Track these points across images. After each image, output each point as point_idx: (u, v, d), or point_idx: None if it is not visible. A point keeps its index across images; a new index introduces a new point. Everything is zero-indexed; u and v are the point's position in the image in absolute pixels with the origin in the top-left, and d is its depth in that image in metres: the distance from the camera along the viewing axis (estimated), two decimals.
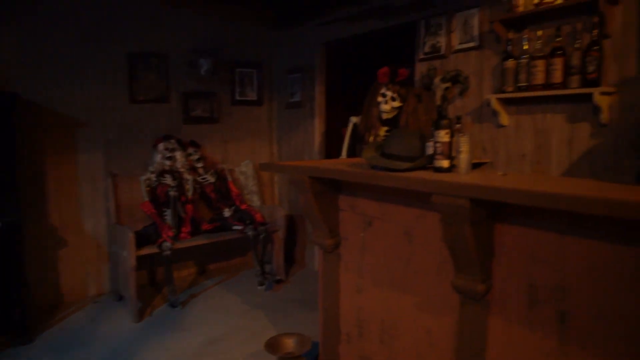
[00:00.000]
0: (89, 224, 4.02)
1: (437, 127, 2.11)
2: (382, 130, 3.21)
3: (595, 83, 2.46)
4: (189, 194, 4.14)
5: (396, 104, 3.13)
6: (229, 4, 4.48)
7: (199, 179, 4.30)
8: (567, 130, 2.69)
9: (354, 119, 3.36)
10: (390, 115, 3.17)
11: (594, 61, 2.45)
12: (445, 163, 2.09)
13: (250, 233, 4.02)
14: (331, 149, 4.34)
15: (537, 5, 2.68)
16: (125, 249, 3.48)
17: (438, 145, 2.11)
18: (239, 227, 4.10)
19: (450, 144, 2.10)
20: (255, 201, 4.68)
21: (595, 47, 2.45)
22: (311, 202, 2.33)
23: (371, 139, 3.20)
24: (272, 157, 5.05)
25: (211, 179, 4.36)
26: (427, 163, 2.20)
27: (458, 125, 2.98)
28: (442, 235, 1.76)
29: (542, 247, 1.63)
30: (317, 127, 4.43)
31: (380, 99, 3.15)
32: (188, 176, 4.19)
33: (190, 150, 4.34)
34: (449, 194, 1.65)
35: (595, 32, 2.46)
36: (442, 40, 3.29)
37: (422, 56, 3.43)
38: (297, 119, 4.69)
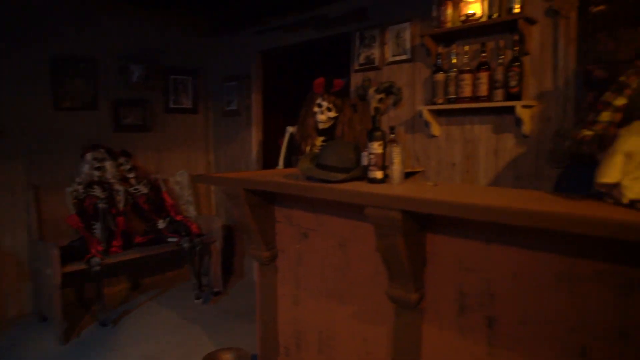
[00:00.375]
0: (7, 239, 3.73)
1: (371, 138, 2.15)
2: (319, 140, 3.22)
3: (517, 97, 2.61)
4: (120, 205, 3.95)
5: (332, 114, 3.16)
6: (163, 9, 4.34)
7: (130, 190, 4.11)
8: (493, 140, 2.83)
9: (290, 129, 3.36)
10: (326, 125, 3.20)
11: (515, 76, 2.60)
12: (379, 174, 2.13)
13: (186, 245, 3.90)
14: (269, 159, 4.31)
15: (463, 22, 2.81)
16: (48, 266, 3.26)
17: (372, 156, 2.14)
18: (174, 239, 3.97)
19: (383, 155, 2.14)
20: (191, 212, 4.55)
21: (516, 64, 2.60)
22: (247, 214, 2.30)
23: (307, 148, 3.21)
24: (208, 167, 4.93)
25: (144, 189, 4.19)
26: (362, 174, 2.24)
27: (392, 136, 3.06)
28: (376, 246, 1.79)
29: (470, 255, 1.70)
30: (254, 136, 4.39)
31: (316, 109, 3.17)
32: (119, 187, 4.00)
33: (122, 160, 4.15)
34: (382, 206, 1.68)
35: (516, 49, 2.62)
36: (376, 52, 3.37)
37: (357, 67, 3.50)
38: (234, 128, 4.62)
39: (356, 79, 3.53)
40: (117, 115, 4.26)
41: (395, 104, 3.26)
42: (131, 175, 4.16)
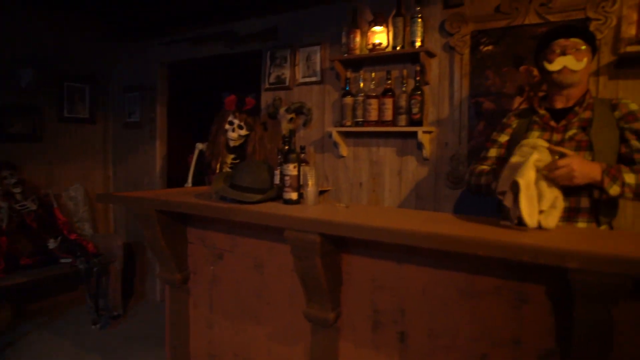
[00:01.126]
0: None
1: (286, 160, 2.20)
2: (229, 158, 3.21)
3: (419, 123, 2.83)
4: (3, 224, 3.57)
5: (243, 132, 3.16)
6: (60, 9, 4.02)
7: (16, 206, 3.73)
8: (397, 162, 3.03)
9: (200, 146, 3.29)
10: (237, 143, 3.19)
11: (417, 104, 2.82)
12: (294, 195, 2.18)
13: (82, 266, 3.62)
14: (173, 174, 4.18)
15: (370, 50, 2.99)
16: None
17: (287, 178, 2.19)
18: (68, 260, 3.67)
19: (298, 177, 2.20)
20: (87, 230, 4.24)
21: (418, 92, 2.82)
22: (158, 237, 2.21)
23: (218, 166, 3.17)
24: (106, 181, 4.64)
25: (32, 206, 3.82)
26: (277, 195, 2.28)
27: (302, 155, 3.15)
28: (294, 267, 1.83)
29: (382, 274, 1.81)
30: (158, 151, 4.22)
31: (227, 126, 3.15)
32: (2, 203, 3.61)
33: (5, 173, 3.75)
34: (302, 229, 1.73)
35: (418, 79, 2.84)
36: (287, 73, 3.44)
37: (267, 86, 3.54)
38: (135, 141, 4.41)
39: (266, 98, 3.57)
40: (1, 123, 3.85)
41: (306, 124, 3.35)
42: (17, 190, 3.78)
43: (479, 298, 1.63)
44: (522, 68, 2.63)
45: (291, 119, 3.34)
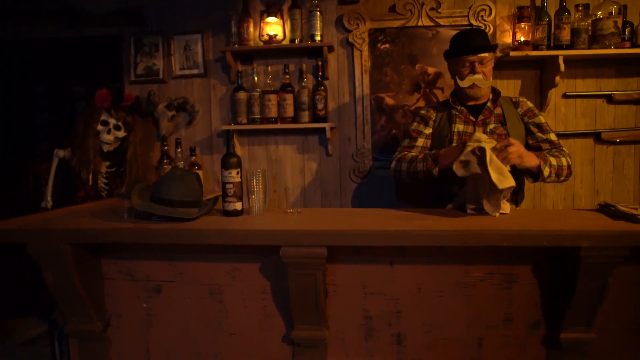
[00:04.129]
0: None
1: (227, 166, 1.91)
2: (104, 167, 2.62)
3: (324, 119, 2.78)
4: None
5: (121, 133, 2.61)
6: None
7: None
8: (299, 160, 2.93)
9: (60, 153, 2.58)
10: (112, 148, 2.63)
11: (322, 99, 2.76)
12: (238, 205, 1.92)
13: None
14: (15, 190, 3.22)
15: (265, 42, 2.80)
16: None
17: (229, 186, 1.92)
18: None
19: (241, 184, 1.94)
20: None
21: (321, 87, 2.77)
22: (74, 278, 1.67)
23: (90, 177, 2.56)
24: None
25: None
26: (213, 206, 1.98)
27: (193, 158, 2.80)
28: (291, 287, 1.61)
29: (374, 279, 1.73)
30: None
31: (100, 127, 2.56)
32: None
33: None
34: (304, 244, 1.53)
35: (320, 73, 2.78)
36: (159, 63, 2.97)
37: (133, 78, 3.00)
38: None
39: (133, 92, 3.01)
40: None
41: (190, 122, 2.96)
42: None
43: (473, 286, 1.70)
44: (417, 66, 2.82)
45: (172, 116, 2.90)
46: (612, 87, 2.72)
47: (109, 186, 2.63)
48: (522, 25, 2.63)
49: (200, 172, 2.78)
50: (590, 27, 2.59)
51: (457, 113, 2.19)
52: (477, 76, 2.10)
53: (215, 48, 2.93)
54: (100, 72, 3.37)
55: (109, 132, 2.57)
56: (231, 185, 1.91)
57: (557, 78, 2.59)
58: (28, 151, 4.21)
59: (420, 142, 2.23)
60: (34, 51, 3.47)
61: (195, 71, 2.95)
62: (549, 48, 2.64)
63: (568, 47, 2.59)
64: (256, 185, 1.98)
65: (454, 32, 2.73)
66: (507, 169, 1.78)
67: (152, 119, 2.88)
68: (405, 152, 2.21)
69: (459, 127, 2.17)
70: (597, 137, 2.74)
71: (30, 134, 4.19)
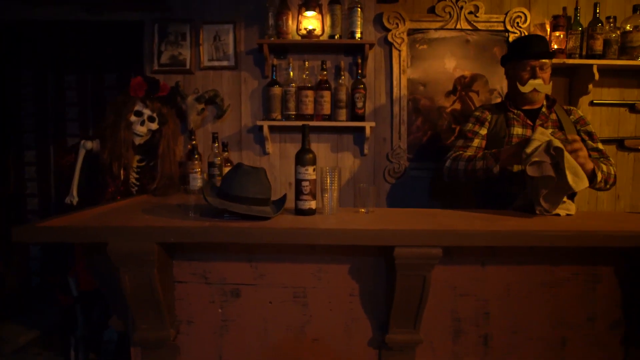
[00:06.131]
0: None
1: (303, 162, 1.84)
2: (135, 161, 2.43)
3: (362, 117, 2.73)
4: None
5: (154, 126, 2.43)
6: None
7: None
8: (333, 159, 2.86)
9: (88, 144, 2.35)
10: (143, 140, 2.44)
11: (361, 98, 2.71)
12: (313, 204, 1.85)
13: None
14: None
15: (303, 36, 2.71)
16: None
17: (305, 183, 1.84)
18: None
19: (316, 181, 1.87)
20: None
21: (361, 86, 2.71)
22: (154, 281, 1.52)
23: (122, 172, 2.37)
24: None
25: None
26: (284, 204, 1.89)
27: (225, 154, 2.67)
28: (397, 289, 1.54)
29: (465, 280, 1.70)
30: None
31: (133, 118, 2.37)
32: None
33: None
34: (418, 244, 1.47)
35: (360, 71, 2.73)
36: (186, 53, 2.80)
37: (157, 67, 2.80)
38: None
39: None
40: None
41: (219, 116, 2.81)
42: None
43: (558, 286, 1.72)
44: (454, 69, 2.83)
45: (202, 109, 2.74)
46: (635, 96, 2.86)
47: (139, 182, 2.44)
48: (557, 34, 2.71)
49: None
50: (619, 39, 2.71)
51: (514, 116, 2.21)
52: (537, 81, 2.14)
53: (248, 40, 2.80)
54: (111, 59, 3.14)
55: (142, 123, 2.39)
56: (307, 183, 1.83)
57: (590, 86, 2.69)
58: (10, 143, 3.86)
59: (476, 142, 2.24)
60: (36, 33, 3.19)
61: (225, 63, 2.81)
62: (581, 57, 2.73)
63: (600, 57, 2.70)
64: (330, 182, 1.91)
65: (490, 37, 2.81)
66: (580, 170, 1.81)
67: (176, 112, 2.70)
68: (461, 152, 2.21)
69: (518, 130, 2.20)
70: (619, 143, 2.87)
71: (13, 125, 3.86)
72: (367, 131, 2.71)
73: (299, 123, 2.72)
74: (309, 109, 2.72)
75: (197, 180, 2.52)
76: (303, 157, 1.84)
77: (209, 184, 1.94)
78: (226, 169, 2.56)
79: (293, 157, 2.78)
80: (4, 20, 2.85)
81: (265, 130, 2.73)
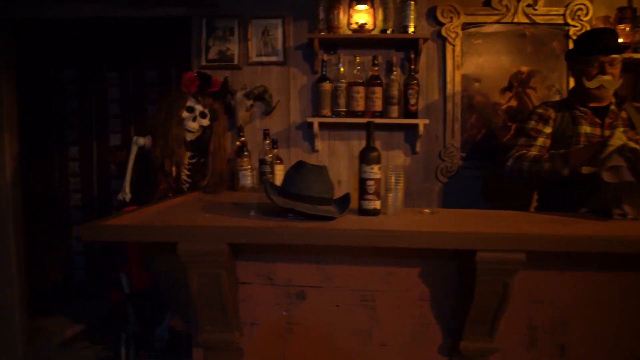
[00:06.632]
0: None
1: (368, 160, 1.78)
2: (186, 157, 2.40)
3: (415, 114, 2.65)
4: None
5: (205, 122, 2.40)
6: None
7: None
8: (383, 157, 2.77)
9: (141, 141, 2.34)
10: (194, 137, 2.42)
11: (415, 94, 2.63)
12: (378, 204, 1.79)
13: None
14: (36, 185, 2.93)
15: (355, 31, 2.64)
16: None
17: (370, 182, 1.78)
18: None
19: (380, 180, 1.80)
20: None
21: (414, 82, 2.62)
22: (222, 282, 1.48)
23: (174, 169, 2.34)
24: None
25: None
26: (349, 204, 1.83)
27: (275, 151, 2.62)
28: (476, 296, 1.46)
29: (541, 286, 1.61)
30: (7, 148, 2.87)
31: (185, 114, 2.34)
32: None
33: None
34: (501, 248, 1.39)
35: (413, 67, 2.65)
36: (234, 48, 2.76)
37: (204, 63, 2.77)
38: None
39: None
40: None
41: (268, 112, 2.76)
42: None
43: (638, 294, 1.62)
44: (510, 64, 2.72)
45: (251, 105, 2.70)
46: None
47: (191, 179, 2.41)
48: (622, 27, 2.58)
49: (282, 167, 2.60)
50: None
51: (581, 114, 2.10)
52: (606, 77, 2.02)
53: (297, 34, 2.75)
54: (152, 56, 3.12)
55: (194, 119, 2.36)
56: (372, 182, 1.77)
57: None
58: (55, 140, 3.90)
59: (540, 141, 2.14)
60: (78, 31, 3.19)
61: (273, 58, 2.76)
62: None
63: None
64: (395, 181, 1.84)
65: (549, 31, 2.69)
66: None
67: (224, 108, 2.66)
68: (524, 151, 2.11)
69: (586, 128, 2.09)
70: None
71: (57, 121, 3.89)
72: (421, 128, 2.63)
73: (350, 120, 2.66)
74: (360, 106, 2.65)
75: (246, 177, 2.48)
76: (368, 155, 1.78)
77: (268, 182, 1.89)
78: (277, 167, 2.52)
79: (342, 154, 2.75)
80: (48, 18, 2.85)
81: (316, 127, 2.67)
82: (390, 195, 1.83)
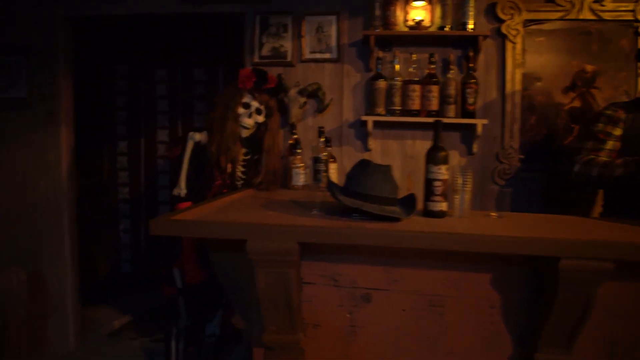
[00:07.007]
0: None
1: (435, 160, 1.72)
2: (241, 154, 2.40)
3: (473, 114, 2.56)
4: None
5: (260, 118, 2.39)
6: None
7: None
8: None
9: (197, 136, 2.34)
10: (249, 133, 2.40)
11: (473, 93, 2.54)
12: (444, 206, 1.73)
13: None
14: (88, 176, 2.98)
15: (411, 27, 2.58)
16: None
17: (437, 183, 1.72)
18: None
19: (447, 181, 1.74)
20: None
21: (472, 80, 2.54)
22: (290, 281, 1.46)
23: (229, 166, 2.33)
24: None
25: None
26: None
27: (329, 149, 2.58)
28: (557, 306, 1.39)
29: (621, 299, 1.52)
30: (64, 141, 2.93)
31: (241, 110, 2.33)
32: None
33: None
34: (587, 256, 1.32)
35: (471, 65, 2.56)
36: (287, 45, 2.73)
37: (257, 59, 2.76)
38: (17, 127, 2.97)
39: None
40: None
41: (320, 110, 2.73)
42: None
43: None
44: (574, 63, 2.61)
45: (304, 103, 2.67)
46: None
47: (246, 175, 2.40)
48: None
49: (335, 165, 2.57)
50: None
51: None
52: None
53: (352, 31, 2.70)
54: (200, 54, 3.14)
55: (250, 115, 2.35)
56: (440, 183, 1.72)
57: None
58: (105, 135, 3.98)
59: (610, 144, 2.03)
60: (128, 28, 3.24)
61: (327, 55, 2.72)
62: None
63: None
64: (463, 183, 1.78)
65: (617, 28, 2.57)
66: None
67: (278, 105, 2.64)
68: (593, 156, 2.01)
69: None
70: None
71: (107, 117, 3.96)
72: (479, 129, 2.55)
73: (405, 119, 2.60)
74: (416, 104, 2.58)
75: (299, 175, 2.45)
76: (436, 155, 1.73)
77: (331, 181, 1.86)
78: (331, 165, 2.48)
79: (396, 154, 2.69)
80: (101, 15, 2.90)
81: (370, 125, 2.62)
82: (457, 197, 1.77)
